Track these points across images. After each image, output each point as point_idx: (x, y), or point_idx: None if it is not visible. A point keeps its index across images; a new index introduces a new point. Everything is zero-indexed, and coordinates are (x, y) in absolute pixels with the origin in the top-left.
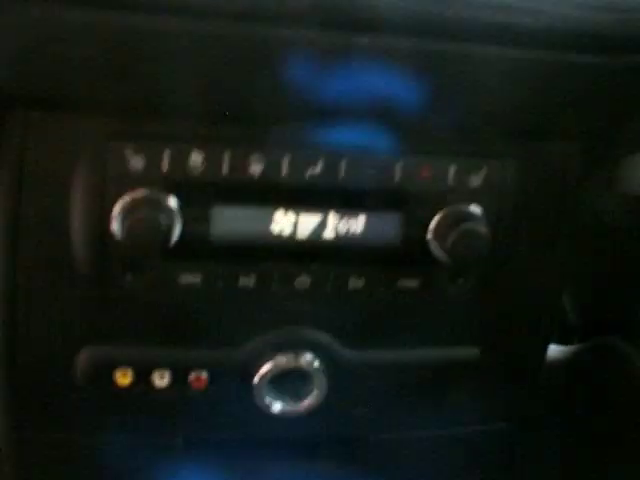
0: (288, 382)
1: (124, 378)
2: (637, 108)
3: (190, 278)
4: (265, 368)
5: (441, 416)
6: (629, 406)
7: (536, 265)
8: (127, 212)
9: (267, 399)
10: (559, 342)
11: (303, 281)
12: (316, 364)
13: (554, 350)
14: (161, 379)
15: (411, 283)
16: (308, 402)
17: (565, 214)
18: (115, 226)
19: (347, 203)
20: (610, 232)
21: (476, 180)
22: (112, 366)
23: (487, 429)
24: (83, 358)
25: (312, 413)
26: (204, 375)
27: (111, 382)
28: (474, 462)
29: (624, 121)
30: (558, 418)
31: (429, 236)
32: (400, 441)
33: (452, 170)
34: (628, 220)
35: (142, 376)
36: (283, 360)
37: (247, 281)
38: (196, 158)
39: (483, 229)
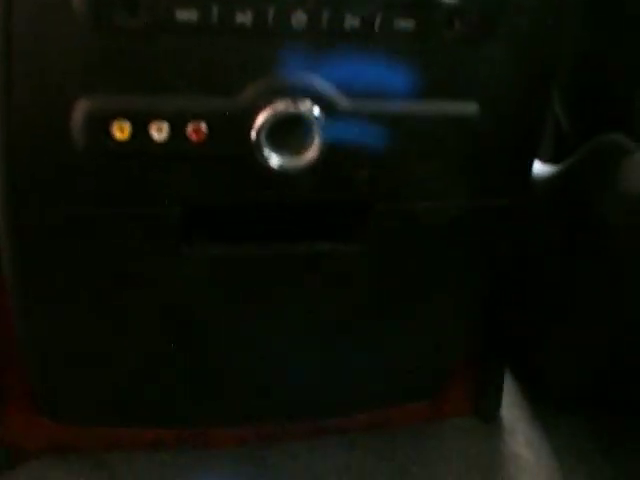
0: (288, 136)
1: (121, 132)
2: None
3: (186, 14)
4: (264, 114)
5: (443, 185)
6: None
7: (534, 13)
8: None
9: (266, 151)
10: (555, 161)
11: (299, 18)
12: (316, 111)
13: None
14: (159, 132)
15: (407, 24)
16: (308, 155)
17: None
18: None
19: None
20: None
21: None
22: (109, 117)
23: (488, 204)
24: (79, 110)
25: (313, 171)
26: (203, 126)
27: (108, 137)
28: (475, 240)
29: None
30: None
31: None
32: (403, 212)
33: None
34: (628, 220)
35: (140, 129)
36: (282, 106)
37: (244, 17)
38: None
39: None
